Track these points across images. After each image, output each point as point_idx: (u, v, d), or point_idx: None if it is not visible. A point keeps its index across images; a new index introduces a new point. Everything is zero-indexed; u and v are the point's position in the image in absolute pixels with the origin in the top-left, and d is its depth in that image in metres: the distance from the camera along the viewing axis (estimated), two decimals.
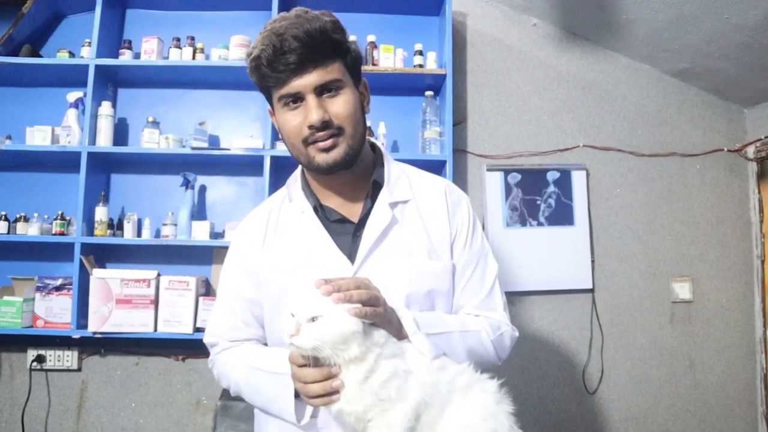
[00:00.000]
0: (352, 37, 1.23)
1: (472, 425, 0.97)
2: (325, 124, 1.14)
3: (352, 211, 1.26)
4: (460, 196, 1.35)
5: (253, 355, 1.23)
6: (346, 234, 1.23)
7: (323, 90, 1.14)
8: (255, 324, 1.29)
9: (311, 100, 1.13)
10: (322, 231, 1.22)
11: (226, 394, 2.29)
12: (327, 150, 1.16)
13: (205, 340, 1.36)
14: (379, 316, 0.97)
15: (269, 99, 1.22)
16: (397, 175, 1.29)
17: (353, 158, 1.20)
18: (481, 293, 1.28)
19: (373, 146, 1.34)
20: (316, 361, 0.93)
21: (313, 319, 0.91)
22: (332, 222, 1.25)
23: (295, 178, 1.33)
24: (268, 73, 1.13)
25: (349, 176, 1.24)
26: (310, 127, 1.13)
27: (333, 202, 1.27)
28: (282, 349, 1.19)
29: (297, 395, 1.09)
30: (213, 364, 1.33)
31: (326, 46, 1.12)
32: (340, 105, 1.15)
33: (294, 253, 1.23)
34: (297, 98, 1.14)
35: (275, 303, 1.22)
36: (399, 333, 1.03)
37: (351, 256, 1.20)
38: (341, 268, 1.18)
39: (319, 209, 1.26)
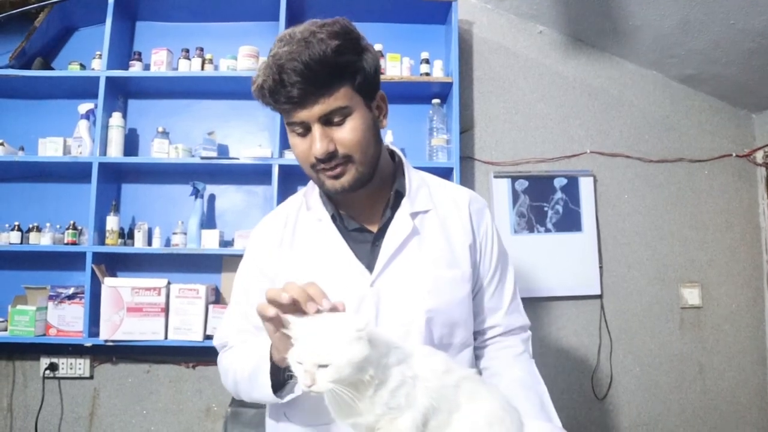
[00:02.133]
0: (377, 46, 1.17)
1: (478, 430, 0.98)
2: (331, 155, 1.11)
3: (371, 220, 1.25)
4: (483, 204, 1.36)
5: (246, 347, 1.23)
6: (365, 243, 1.23)
7: (329, 118, 1.10)
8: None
9: (316, 129, 1.10)
10: (340, 240, 1.21)
11: (235, 401, 2.31)
12: (336, 177, 1.14)
13: (214, 343, 1.35)
14: None
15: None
16: (418, 185, 1.28)
17: (365, 181, 1.18)
18: (506, 298, 1.34)
19: (392, 153, 1.32)
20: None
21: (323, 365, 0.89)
22: (350, 231, 1.24)
23: (313, 185, 1.30)
24: (272, 104, 1.10)
25: (368, 188, 1.22)
26: (316, 158, 1.12)
27: (351, 210, 1.26)
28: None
29: (280, 378, 1.09)
30: (219, 364, 1.32)
31: (329, 75, 1.06)
32: (347, 133, 1.11)
33: (311, 263, 1.22)
34: (304, 126, 1.11)
35: None
36: None
37: (369, 265, 1.20)
38: (359, 277, 1.18)
39: (337, 218, 1.24)
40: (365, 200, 1.24)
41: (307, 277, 1.20)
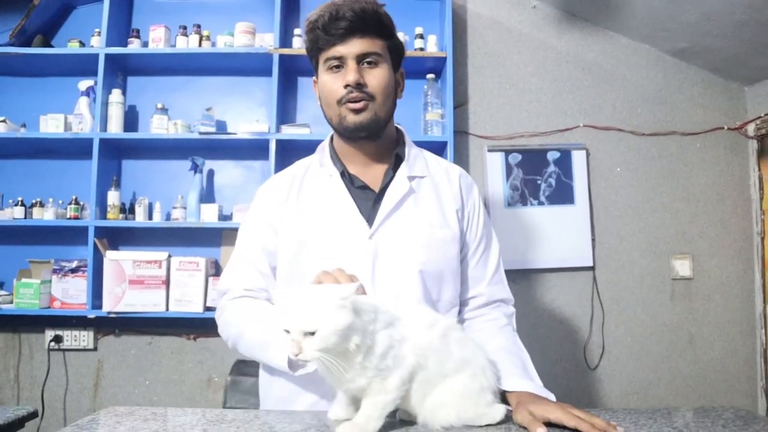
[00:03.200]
0: (400, 34, 1.38)
1: (461, 381, 1.04)
2: (360, 86, 1.27)
3: (374, 180, 1.38)
4: (472, 181, 1.50)
5: (257, 306, 1.33)
6: (367, 200, 1.35)
7: (363, 59, 1.28)
8: (270, 275, 1.38)
9: (351, 64, 1.28)
10: (346, 194, 1.34)
11: (235, 369, 2.37)
12: (357, 111, 1.29)
13: (218, 287, 1.45)
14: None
15: (315, 67, 1.37)
16: (416, 154, 1.43)
17: (379, 127, 1.33)
18: (490, 269, 1.44)
19: (397, 128, 1.47)
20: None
21: (309, 333, 0.93)
22: (356, 188, 1.37)
23: (323, 147, 1.44)
24: (321, 35, 1.28)
25: (374, 147, 1.37)
26: (347, 86, 1.27)
27: (357, 170, 1.39)
28: None
29: None
30: (222, 311, 1.39)
31: (375, 23, 1.28)
32: (376, 76, 1.29)
33: (317, 213, 1.34)
34: (340, 63, 1.29)
35: (295, 257, 1.32)
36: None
37: (369, 219, 1.32)
38: (360, 230, 1.30)
39: (346, 175, 1.38)
40: (370, 160, 1.39)
41: (312, 225, 1.32)
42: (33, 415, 1.24)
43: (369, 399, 0.98)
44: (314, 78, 1.40)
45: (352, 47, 1.27)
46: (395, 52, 1.35)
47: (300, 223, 1.34)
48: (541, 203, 2.82)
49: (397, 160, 1.39)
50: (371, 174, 1.39)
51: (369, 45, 1.28)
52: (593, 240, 2.85)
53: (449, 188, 1.42)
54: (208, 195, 2.82)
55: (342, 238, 1.30)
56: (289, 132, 2.64)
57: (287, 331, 0.94)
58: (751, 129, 2.92)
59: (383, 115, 1.32)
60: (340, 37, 1.27)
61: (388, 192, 1.34)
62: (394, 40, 1.35)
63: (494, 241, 1.48)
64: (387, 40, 1.32)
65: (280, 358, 1.19)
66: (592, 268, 2.85)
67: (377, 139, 1.35)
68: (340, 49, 1.28)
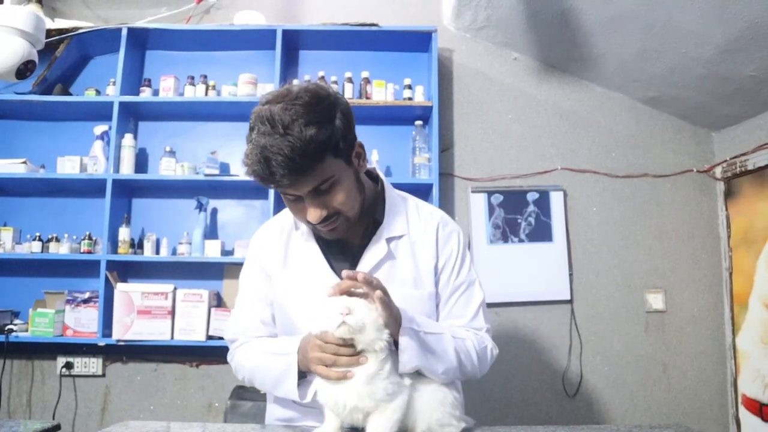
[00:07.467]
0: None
1: (437, 391, 1.24)
2: (325, 218, 1.25)
3: (351, 242, 1.40)
4: (452, 229, 1.47)
5: (265, 343, 1.40)
6: (345, 263, 1.37)
7: (317, 189, 1.21)
8: (271, 323, 1.44)
9: (308, 201, 1.23)
10: (322, 260, 1.37)
11: (235, 394, 2.55)
12: (331, 230, 1.29)
13: (225, 338, 1.53)
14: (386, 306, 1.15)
15: None
16: (396, 211, 1.42)
17: (354, 224, 1.34)
18: (466, 316, 1.42)
19: (376, 178, 1.46)
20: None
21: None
22: (333, 251, 1.39)
23: None
24: (265, 186, 1.23)
25: None
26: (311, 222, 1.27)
27: None
28: (290, 337, 1.36)
29: (301, 377, 1.27)
30: (232, 357, 1.47)
31: (311, 160, 1.16)
32: (335, 197, 1.24)
33: (298, 281, 1.39)
34: (296, 197, 1.24)
35: (282, 315, 1.42)
36: (396, 326, 1.19)
37: None
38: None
39: (321, 240, 1.38)
40: None
41: (293, 290, 1.40)
42: (57, 428, 1.43)
43: (379, 418, 1.13)
44: None
45: (300, 188, 1.20)
46: (344, 146, 1.24)
47: (286, 293, 1.40)
48: (521, 241, 3.02)
49: (374, 223, 1.40)
50: (349, 236, 1.39)
51: (317, 177, 1.19)
52: (571, 275, 3.04)
53: (426, 244, 1.42)
54: (211, 232, 3.01)
55: (321, 302, 1.31)
56: None
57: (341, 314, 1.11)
58: (718, 171, 3.13)
59: (354, 214, 1.31)
60: (285, 185, 1.19)
61: (365, 256, 1.36)
62: (338, 137, 1.22)
63: (476, 291, 1.46)
64: (332, 150, 1.20)
65: (291, 390, 1.28)
66: (570, 302, 3.03)
67: None
68: (290, 191, 1.23)
